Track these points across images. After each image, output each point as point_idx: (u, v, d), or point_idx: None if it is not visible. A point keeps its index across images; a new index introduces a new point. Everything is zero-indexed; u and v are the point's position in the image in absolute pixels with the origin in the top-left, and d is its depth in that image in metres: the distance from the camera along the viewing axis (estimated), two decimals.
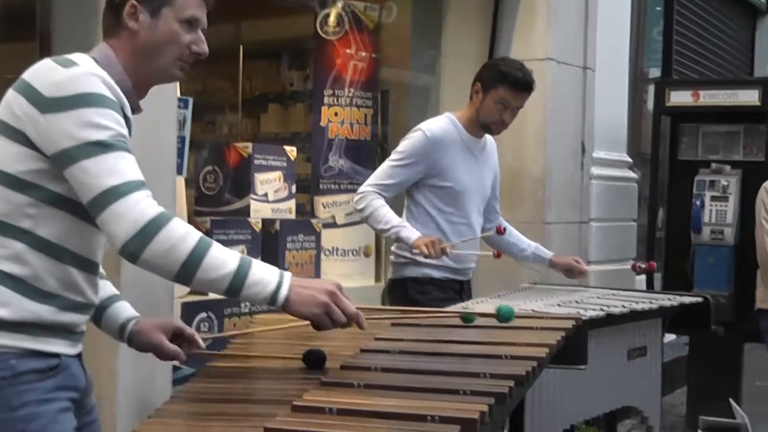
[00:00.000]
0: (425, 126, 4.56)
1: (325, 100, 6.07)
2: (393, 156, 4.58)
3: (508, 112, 4.52)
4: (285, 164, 5.35)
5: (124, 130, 2.33)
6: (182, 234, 2.25)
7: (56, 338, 2.38)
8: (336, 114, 6.06)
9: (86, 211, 2.30)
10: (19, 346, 2.32)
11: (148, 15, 2.46)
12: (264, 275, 2.32)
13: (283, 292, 2.32)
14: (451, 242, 4.45)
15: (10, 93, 2.37)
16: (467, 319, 2.87)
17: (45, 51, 4.09)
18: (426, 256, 4.26)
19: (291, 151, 5.45)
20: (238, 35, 8.03)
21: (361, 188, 4.55)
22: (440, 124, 4.57)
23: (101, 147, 2.25)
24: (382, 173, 4.54)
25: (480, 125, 4.58)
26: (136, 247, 2.23)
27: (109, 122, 2.28)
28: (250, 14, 7.63)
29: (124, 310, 2.72)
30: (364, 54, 6.16)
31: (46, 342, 2.36)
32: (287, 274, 2.36)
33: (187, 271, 2.26)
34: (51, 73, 2.33)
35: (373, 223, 4.50)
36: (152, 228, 2.22)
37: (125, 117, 2.38)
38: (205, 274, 2.27)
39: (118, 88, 2.37)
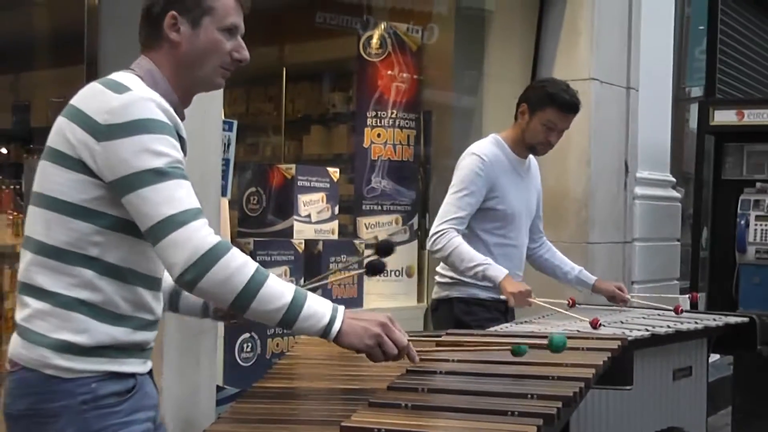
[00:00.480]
0: (477, 150, 4.51)
1: (368, 121, 6.08)
2: (456, 188, 4.47)
3: (555, 134, 4.50)
4: (328, 185, 5.37)
5: (180, 155, 2.33)
6: (239, 265, 2.25)
7: (130, 358, 2.41)
8: (379, 135, 6.07)
9: None
10: (99, 369, 2.33)
11: (188, 26, 2.46)
12: (318, 309, 2.32)
13: (336, 325, 2.32)
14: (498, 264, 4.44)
15: (62, 120, 2.36)
16: (517, 351, 2.80)
17: (92, 75, 4.11)
18: (510, 304, 4.27)
19: (334, 172, 5.47)
20: (282, 57, 8.07)
21: (436, 227, 4.42)
22: (488, 147, 4.54)
23: (159, 175, 2.25)
24: (452, 207, 4.42)
25: (525, 146, 4.56)
26: (194, 276, 2.23)
27: (165, 149, 2.28)
28: (293, 37, 7.67)
29: None
30: (406, 75, 6.17)
31: (122, 363, 2.38)
32: (341, 308, 2.36)
33: (243, 301, 2.26)
34: (104, 100, 2.31)
35: (455, 262, 4.38)
36: (211, 258, 2.22)
37: (180, 138, 2.39)
38: (260, 305, 2.27)
39: (171, 109, 2.37)
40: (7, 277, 5.51)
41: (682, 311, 4.49)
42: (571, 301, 4.51)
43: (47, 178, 2.35)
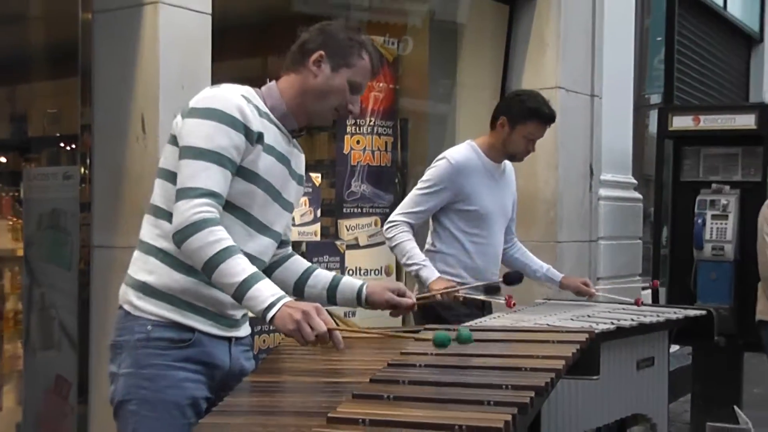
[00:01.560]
0: (449, 154, 4.55)
1: (348, 129, 6.06)
2: (420, 185, 4.56)
3: (533, 143, 4.56)
4: (311, 190, 5.36)
5: (230, 143, 2.61)
6: (211, 241, 2.52)
7: (198, 315, 2.71)
8: (358, 142, 6.06)
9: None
10: (159, 314, 2.67)
11: (329, 67, 2.81)
12: (263, 294, 2.51)
13: (272, 312, 2.50)
14: (474, 261, 4.52)
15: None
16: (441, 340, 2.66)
17: (86, 87, 4.11)
18: (437, 298, 4.23)
19: (316, 177, 5.46)
20: (265, 69, 8.05)
21: (391, 217, 4.54)
22: (463, 152, 4.57)
23: (197, 153, 2.59)
24: (410, 202, 4.53)
25: (505, 155, 4.60)
26: (178, 239, 2.56)
27: (217, 135, 2.60)
28: (276, 49, 7.64)
29: (350, 281, 3.12)
30: (383, 85, 6.16)
31: (185, 315, 2.69)
32: (284, 299, 2.52)
33: (208, 270, 2.53)
34: (202, 92, 2.72)
35: (397, 254, 4.52)
36: (191, 230, 2.53)
37: (248, 130, 2.66)
38: (219, 277, 2.53)
39: (251, 112, 2.67)
40: (8, 279, 5.48)
41: (642, 303, 4.54)
42: (508, 302, 4.23)
43: (163, 155, 2.74)
